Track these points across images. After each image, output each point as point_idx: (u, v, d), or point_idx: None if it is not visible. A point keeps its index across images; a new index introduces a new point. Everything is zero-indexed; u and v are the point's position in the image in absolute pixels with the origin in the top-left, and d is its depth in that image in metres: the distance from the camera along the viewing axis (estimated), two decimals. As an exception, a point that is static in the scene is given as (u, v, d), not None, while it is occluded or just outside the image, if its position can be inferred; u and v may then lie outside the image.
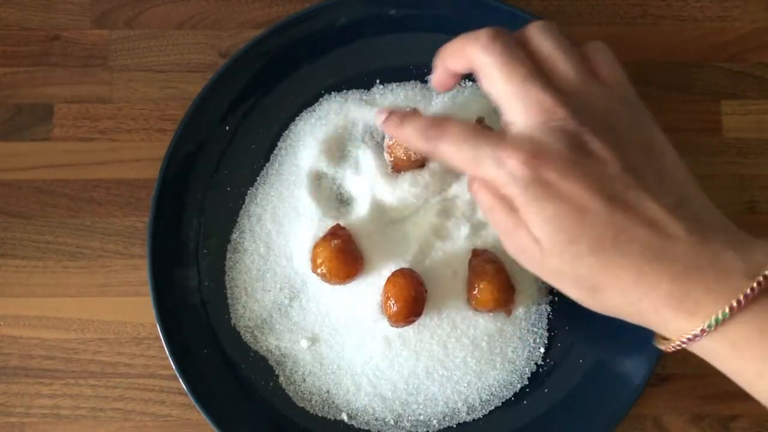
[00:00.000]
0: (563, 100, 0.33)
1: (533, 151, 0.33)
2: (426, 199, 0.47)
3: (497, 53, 0.34)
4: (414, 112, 0.39)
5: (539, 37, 0.36)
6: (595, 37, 0.51)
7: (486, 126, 0.47)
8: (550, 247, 0.33)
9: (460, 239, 0.47)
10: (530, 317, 0.47)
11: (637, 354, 0.45)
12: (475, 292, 0.44)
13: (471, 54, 0.36)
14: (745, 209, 0.50)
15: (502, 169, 0.33)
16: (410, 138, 0.37)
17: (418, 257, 0.46)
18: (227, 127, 0.49)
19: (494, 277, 0.44)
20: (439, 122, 0.36)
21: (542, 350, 0.47)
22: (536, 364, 0.46)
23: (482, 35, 0.35)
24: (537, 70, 0.34)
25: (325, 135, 0.48)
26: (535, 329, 0.47)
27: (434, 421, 0.46)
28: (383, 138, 0.49)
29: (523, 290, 0.46)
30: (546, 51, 0.35)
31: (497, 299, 0.44)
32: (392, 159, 0.47)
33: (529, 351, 0.46)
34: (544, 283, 0.47)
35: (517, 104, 0.34)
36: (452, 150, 0.35)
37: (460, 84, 0.50)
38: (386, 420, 0.46)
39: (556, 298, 0.47)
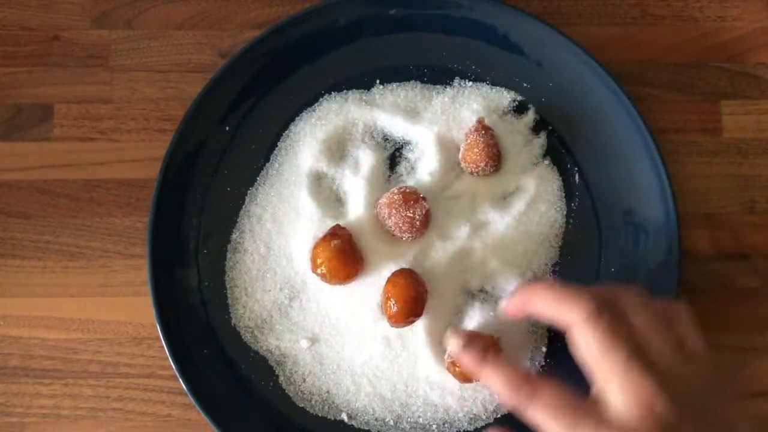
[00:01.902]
0: (662, 387, 0.34)
1: None
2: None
3: (601, 331, 0.35)
4: (497, 354, 0.39)
5: (639, 313, 0.36)
6: (596, 37, 0.52)
7: (486, 126, 0.47)
8: None
9: (460, 239, 0.47)
10: (531, 318, 0.46)
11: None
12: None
13: (570, 320, 0.36)
14: (745, 209, 0.50)
15: None
16: (497, 386, 0.37)
17: (418, 257, 0.46)
18: (227, 127, 0.49)
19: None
20: (533, 382, 0.36)
21: (543, 350, 0.47)
22: (536, 364, 0.46)
23: (586, 306, 0.36)
24: (637, 350, 0.35)
25: (325, 135, 0.49)
26: (535, 329, 0.47)
27: (434, 426, 0.46)
28: (383, 138, 0.49)
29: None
30: (645, 330, 0.36)
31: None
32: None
33: (530, 351, 0.46)
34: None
35: (616, 385, 0.34)
36: (547, 418, 0.35)
37: (459, 84, 0.50)
38: (386, 420, 0.46)
39: (556, 298, 0.47)
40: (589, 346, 0.35)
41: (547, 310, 0.38)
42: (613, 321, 0.36)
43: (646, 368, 0.34)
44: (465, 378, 0.43)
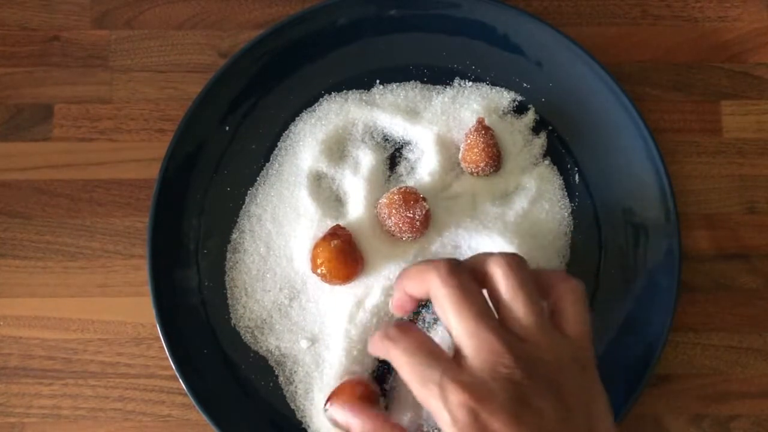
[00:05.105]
0: (513, 346, 0.34)
1: (476, 394, 0.33)
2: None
3: (452, 287, 0.35)
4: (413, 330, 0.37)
5: (499, 276, 0.36)
6: (596, 37, 0.52)
7: (486, 126, 0.47)
8: None
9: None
10: None
11: (637, 353, 0.45)
12: None
13: (428, 283, 0.36)
14: (745, 209, 0.50)
15: (443, 403, 0.33)
16: (374, 340, 0.37)
17: (418, 257, 0.46)
18: (227, 127, 0.49)
19: None
20: (404, 327, 0.36)
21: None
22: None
23: (441, 266, 0.35)
24: (490, 310, 0.35)
25: (325, 135, 0.49)
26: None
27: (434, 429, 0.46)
28: (383, 138, 0.49)
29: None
30: (504, 293, 0.35)
31: None
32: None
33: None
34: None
35: (467, 341, 0.34)
36: (403, 358, 0.35)
37: (460, 84, 0.50)
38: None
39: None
40: (443, 305, 0.35)
41: (415, 288, 0.37)
42: (465, 282, 0.35)
43: (496, 328, 0.34)
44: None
